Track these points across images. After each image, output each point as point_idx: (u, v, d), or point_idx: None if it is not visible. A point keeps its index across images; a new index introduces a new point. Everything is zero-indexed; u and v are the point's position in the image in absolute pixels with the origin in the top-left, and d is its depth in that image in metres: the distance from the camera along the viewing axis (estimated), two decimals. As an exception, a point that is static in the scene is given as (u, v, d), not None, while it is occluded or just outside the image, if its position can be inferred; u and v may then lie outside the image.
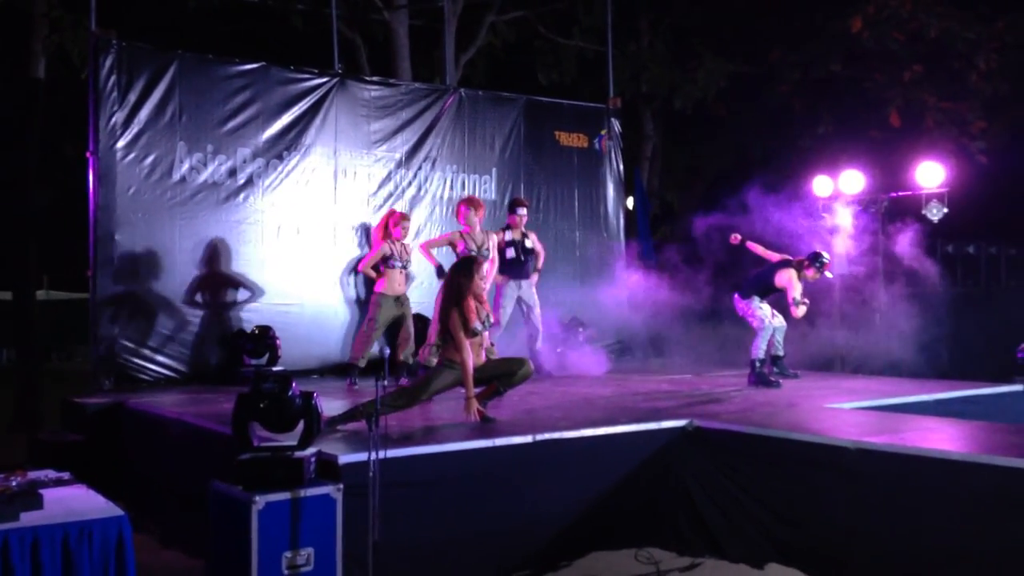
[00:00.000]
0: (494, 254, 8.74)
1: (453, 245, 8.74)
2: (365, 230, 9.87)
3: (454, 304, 6.15)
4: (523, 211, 9.34)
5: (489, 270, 8.58)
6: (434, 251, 9.02)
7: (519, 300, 9.23)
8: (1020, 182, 11.99)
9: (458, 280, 6.23)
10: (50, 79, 12.33)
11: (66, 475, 4.65)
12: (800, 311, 8.21)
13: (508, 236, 9.23)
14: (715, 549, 5.71)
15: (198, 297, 8.99)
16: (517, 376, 6.29)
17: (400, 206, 10.16)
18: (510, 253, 9.20)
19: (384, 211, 9.99)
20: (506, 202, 10.25)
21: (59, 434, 7.70)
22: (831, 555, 5.29)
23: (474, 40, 13.92)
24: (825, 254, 8.54)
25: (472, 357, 6.12)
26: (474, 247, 8.42)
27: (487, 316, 6.31)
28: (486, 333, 6.40)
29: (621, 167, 11.90)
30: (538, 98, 11.77)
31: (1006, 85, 14.71)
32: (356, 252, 9.86)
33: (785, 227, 10.23)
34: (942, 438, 5.63)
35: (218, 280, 9.09)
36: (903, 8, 14.51)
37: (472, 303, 6.16)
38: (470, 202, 8.78)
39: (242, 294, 9.21)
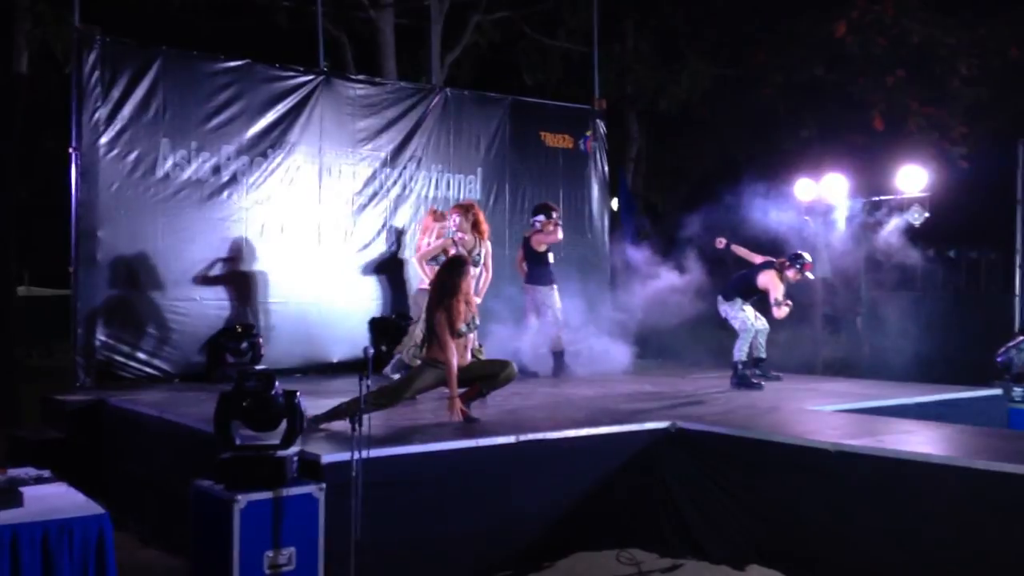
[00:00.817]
0: (488, 262, 8.46)
1: (446, 252, 8.53)
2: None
3: (441, 304, 6.15)
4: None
5: (485, 279, 8.39)
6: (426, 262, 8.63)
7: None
8: (1000, 187, 12.08)
9: (447, 280, 6.23)
10: (33, 73, 12.24)
11: (46, 473, 4.62)
12: (782, 312, 8.26)
13: (547, 244, 9.36)
14: (697, 550, 5.74)
15: (181, 295, 8.94)
16: (500, 378, 6.31)
17: (385, 206, 10.16)
18: (552, 257, 9.35)
19: (370, 210, 10.02)
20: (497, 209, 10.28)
21: (39, 431, 7.64)
22: (811, 556, 5.33)
23: (460, 40, 13.92)
24: (806, 255, 8.59)
25: (456, 357, 6.12)
26: (465, 252, 8.23)
27: (473, 318, 6.32)
28: (472, 335, 6.40)
29: (606, 168, 11.92)
30: (524, 98, 11.79)
31: (987, 91, 14.85)
32: (341, 250, 9.85)
33: (768, 229, 10.28)
34: (922, 441, 5.68)
35: (201, 278, 9.05)
36: (886, 14, 14.63)
37: (461, 304, 6.16)
38: (462, 208, 8.45)
39: (225, 292, 9.17)
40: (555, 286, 9.35)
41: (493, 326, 9.20)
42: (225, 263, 9.17)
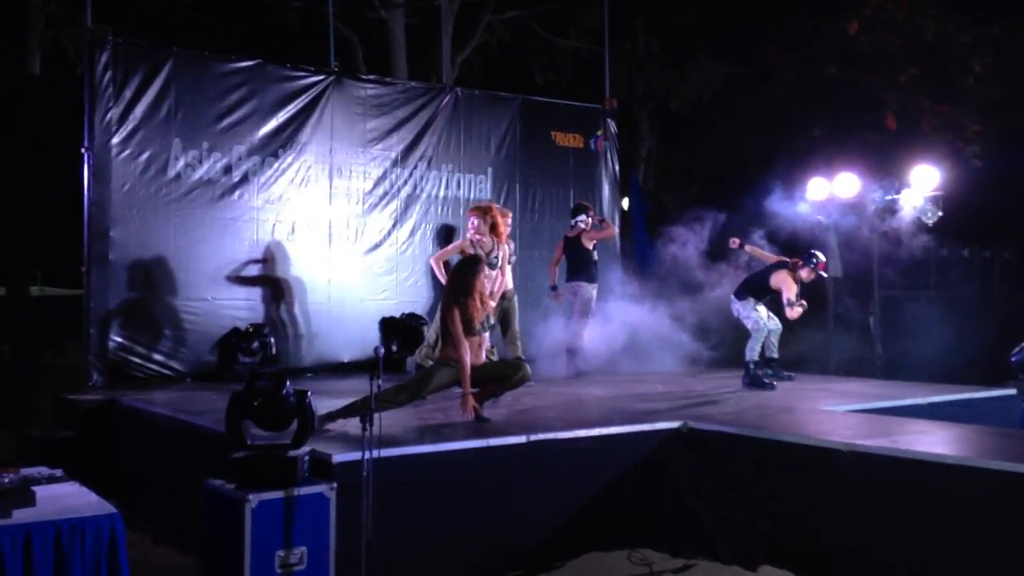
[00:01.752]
0: (504, 264, 8.27)
1: (463, 252, 8.40)
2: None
3: (456, 302, 6.15)
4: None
5: (500, 282, 8.15)
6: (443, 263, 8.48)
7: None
8: (1014, 186, 12.01)
9: (461, 279, 6.24)
10: (45, 74, 12.30)
11: (59, 472, 4.63)
12: (796, 312, 8.21)
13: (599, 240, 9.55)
14: (708, 551, 5.71)
15: (193, 294, 8.96)
16: (514, 380, 6.30)
17: (395, 206, 10.17)
18: (596, 255, 9.51)
19: (380, 210, 10.03)
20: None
21: (51, 431, 7.67)
22: (823, 557, 5.30)
23: (470, 39, 13.91)
24: (819, 254, 8.56)
25: (471, 356, 6.12)
26: (482, 254, 8.13)
27: (488, 318, 6.31)
28: (486, 335, 6.39)
29: (617, 168, 11.91)
30: (534, 98, 11.78)
31: (1001, 89, 14.75)
32: (351, 250, 9.86)
33: (780, 228, 10.24)
34: (935, 441, 5.64)
35: (212, 277, 9.07)
36: (899, 12, 14.54)
37: (476, 302, 6.17)
38: (480, 211, 8.28)
39: (236, 292, 9.19)
40: (596, 285, 9.50)
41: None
42: (236, 263, 9.19)
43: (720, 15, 16.42)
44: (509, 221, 8.67)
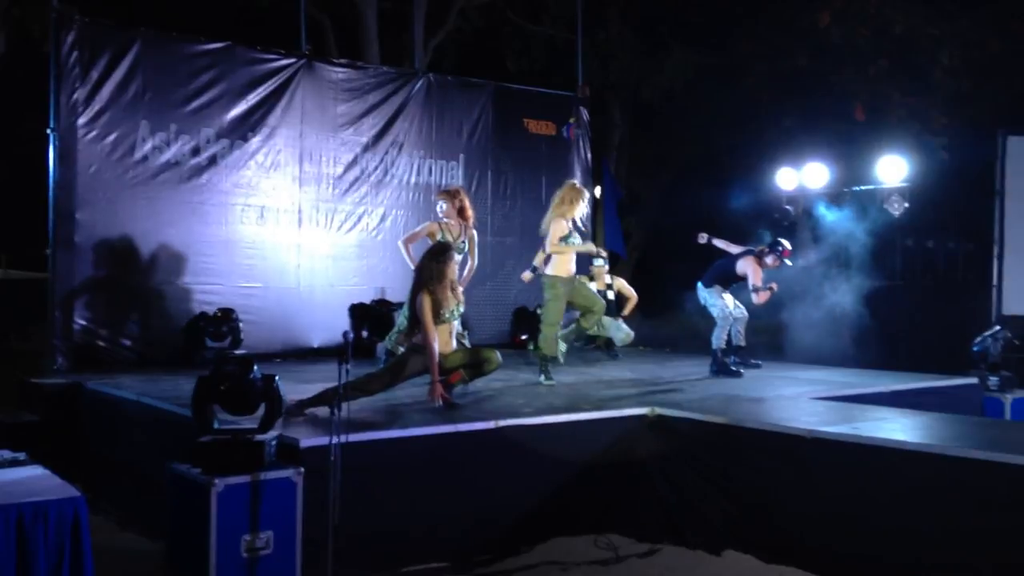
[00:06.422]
0: (474, 250, 8.09)
1: (432, 236, 8.28)
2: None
3: (424, 289, 6.15)
4: None
5: (470, 268, 8.04)
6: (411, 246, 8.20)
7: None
8: (979, 178, 12.14)
9: (430, 266, 6.23)
10: (10, 54, 12.10)
11: (22, 456, 4.60)
12: (762, 298, 8.29)
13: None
14: (674, 535, 5.77)
15: (159, 278, 8.89)
16: (484, 368, 6.32)
17: (365, 191, 10.13)
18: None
19: (351, 195, 9.99)
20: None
21: (15, 414, 7.59)
22: (786, 542, 5.37)
23: (443, 24, 13.86)
24: (785, 242, 8.63)
25: (440, 344, 6.12)
26: (450, 238, 8.05)
27: (458, 305, 6.30)
28: (456, 322, 6.38)
29: (589, 155, 11.93)
30: (507, 85, 11.76)
31: (968, 82, 14.91)
32: (321, 235, 9.81)
33: (750, 217, 10.31)
34: (897, 428, 5.72)
35: (180, 261, 9.00)
36: (869, 3, 14.64)
37: (445, 290, 6.17)
38: (448, 194, 8.11)
39: (204, 276, 9.12)
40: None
41: None
42: (204, 246, 9.12)
43: (693, 5, 16.44)
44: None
